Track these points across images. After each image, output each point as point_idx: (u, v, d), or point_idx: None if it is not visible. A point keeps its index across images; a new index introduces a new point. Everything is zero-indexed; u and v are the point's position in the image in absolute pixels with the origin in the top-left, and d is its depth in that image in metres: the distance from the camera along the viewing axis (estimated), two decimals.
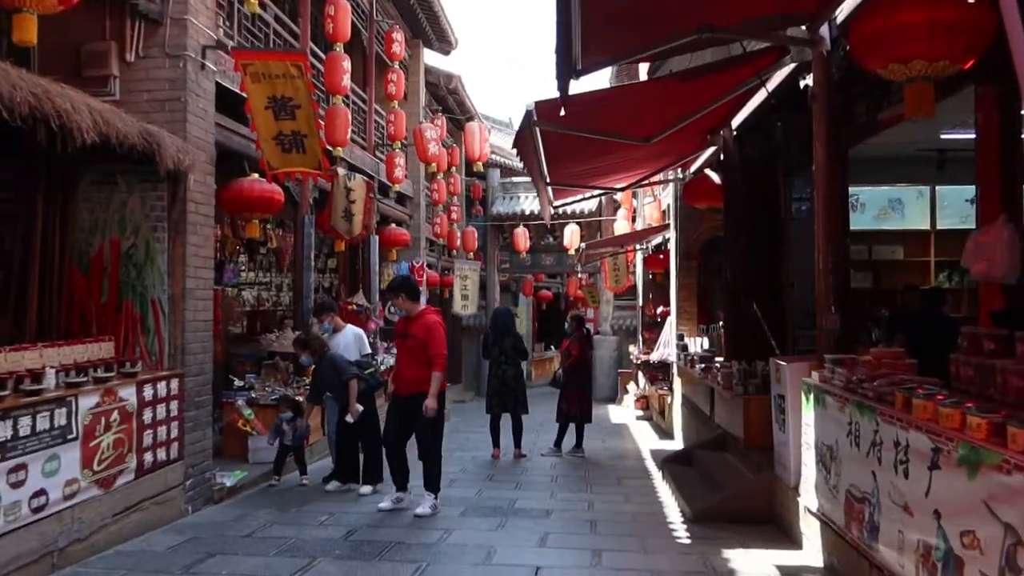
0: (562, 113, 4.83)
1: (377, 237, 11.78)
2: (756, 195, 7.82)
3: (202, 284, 5.80)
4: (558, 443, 9.23)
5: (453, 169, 16.20)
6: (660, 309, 14.47)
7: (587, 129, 5.76)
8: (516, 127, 5.97)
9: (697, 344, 9.58)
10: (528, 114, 5.20)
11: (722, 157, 8.06)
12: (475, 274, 16.89)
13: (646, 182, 9.83)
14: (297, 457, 6.90)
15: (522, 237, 17.66)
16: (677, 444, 9.95)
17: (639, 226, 14.43)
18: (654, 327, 14.96)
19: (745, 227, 7.74)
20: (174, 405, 5.38)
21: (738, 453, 6.49)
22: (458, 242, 16.60)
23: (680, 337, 9.87)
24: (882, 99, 5.24)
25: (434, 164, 13.61)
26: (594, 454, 9.33)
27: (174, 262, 5.51)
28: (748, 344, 7.25)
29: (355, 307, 10.71)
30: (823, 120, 4.81)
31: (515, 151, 6.00)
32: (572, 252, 16.83)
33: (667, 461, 7.36)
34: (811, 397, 4.54)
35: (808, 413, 4.60)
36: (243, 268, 10.61)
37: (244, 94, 6.10)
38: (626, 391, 16.01)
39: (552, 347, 24.32)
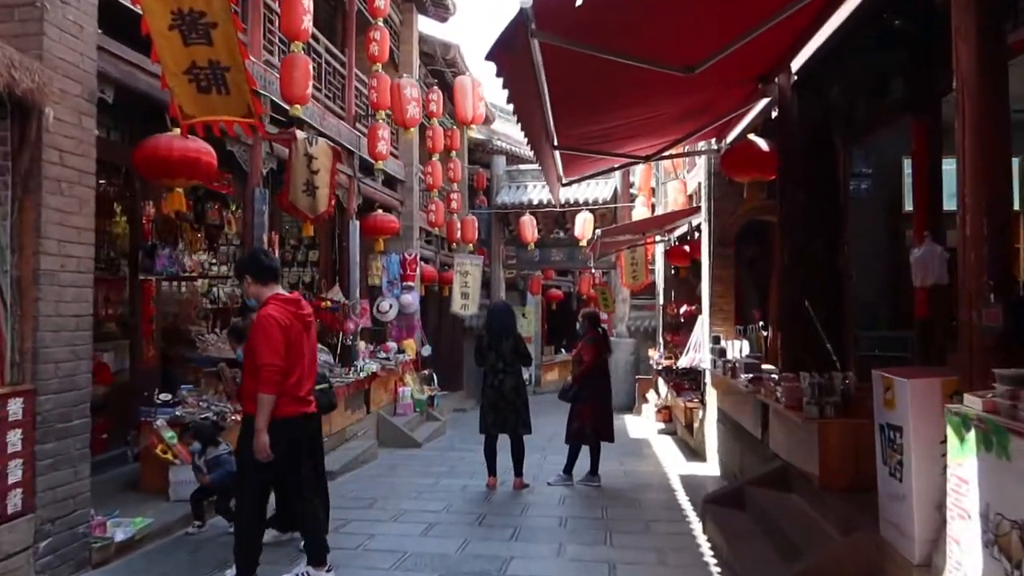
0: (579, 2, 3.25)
1: (358, 223, 10.15)
2: (811, 165, 6.17)
3: (71, 265, 4.18)
4: (568, 469, 7.57)
5: (453, 154, 14.59)
6: (684, 308, 12.82)
7: (608, 49, 4.08)
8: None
9: (736, 348, 7.88)
10: (521, 16, 3.44)
11: (775, 113, 6.39)
12: (477, 269, 15.23)
13: (675, 150, 8.13)
14: (219, 502, 5.25)
15: (529, 226, 15.97)
16: (711, 468, 8.25)
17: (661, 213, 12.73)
18: (677, 329, 13.29)
19: (802, 203, 6.08)
20: (15, 435, 3.75)
21: (811, 497, 4.80)
22: (458, 233, 14.96)
23: (715, 340, 8.19)
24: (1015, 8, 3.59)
25: (427, 141, 11.99)
26: (612, 481, 7.66)
27: (22, 231, 3.90)
28: (808, 350, 5.60)
29: (329, 304, 9.09)
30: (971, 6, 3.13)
31: (501, 84, 3.89)
32: (584, 243, 15.13)
33: (710, 502, 5.67)
34: (971, 436, 2.85)
35: (964, 460, 2.91)
36: (199, 254, 9.05)
37: (138, 8, 4.48)
38: (645, 400, 14.31)
39: (563, 350, 22.66)
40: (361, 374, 9.52)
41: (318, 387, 5.21)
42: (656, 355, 13.67)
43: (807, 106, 6.16)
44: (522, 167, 17.52)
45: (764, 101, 6.35)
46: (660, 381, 13.49)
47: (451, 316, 15.90)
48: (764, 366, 6.71)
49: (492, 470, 7.29)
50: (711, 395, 8.49)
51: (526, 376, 19.51)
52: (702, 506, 5.76)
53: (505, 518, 6.05)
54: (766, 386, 5.84)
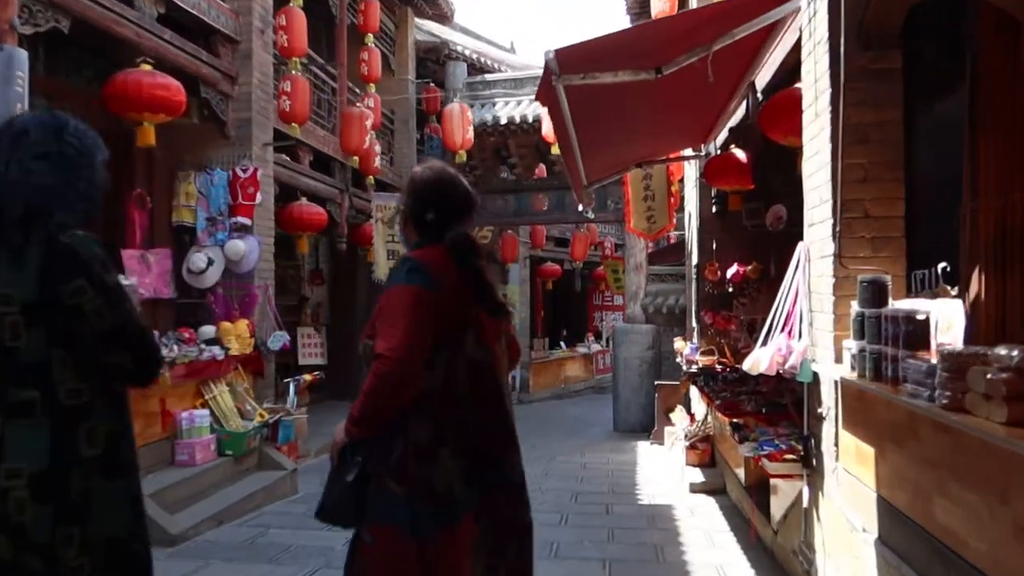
0: None
1: None
2: None
3: None
4: None
5: (370, 39, 9.37)
6: (734, 269, 7.52)
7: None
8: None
9: (937, 319, 2.44)
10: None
11: None
12: None
13: None
14: None
15: (458, 120, 10.15)
16: None
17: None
18: (721, 303, 7.94)
19: None
20: None
21: None
22: (377, 162, 9.62)
23: (873, 292, 2.75)
24: None
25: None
26: None
27: None
28: None
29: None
30: None
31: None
32: (554, 148, 9.42)
33: None
34: None
35: None
36: None
37: None
38: (668, 420, 8.88)
39: (561, 344, 17.24)
40: None
41: None
42: (687, 349, 8.23)
43: None
44: (490, 77, 12.13)
45: None
46: (694, 392, 8.07)
47: (367, 293, 10.63)
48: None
49: None
50: (845, 451, 3.08)
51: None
52: None
53: None
54: None
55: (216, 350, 6.10)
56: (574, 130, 5.16)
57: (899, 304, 2.57)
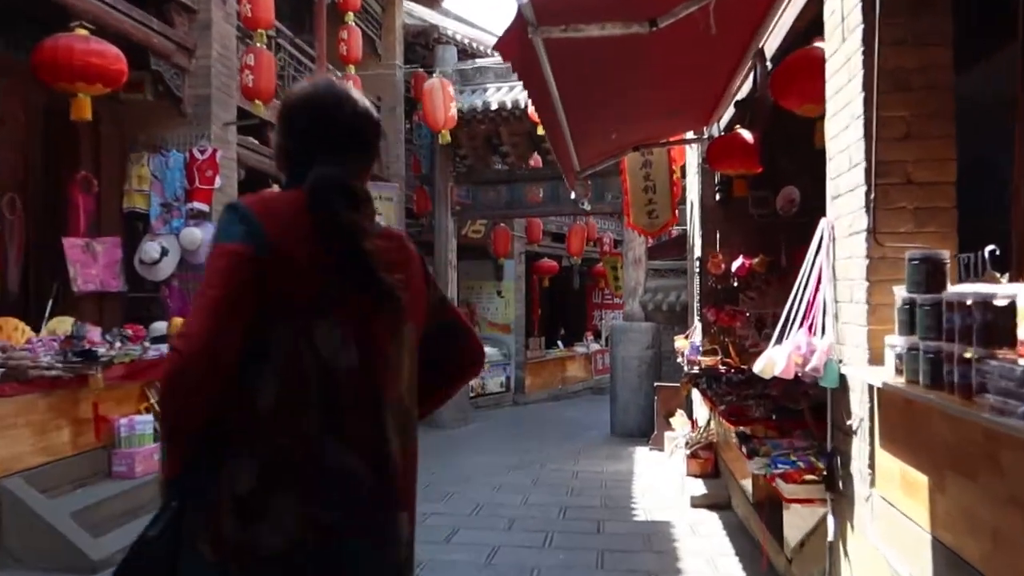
0: None
1: None
2: None
3: None
4: None
5: (351, 17, 8.77)
6: (739, 262, 6.98)
7: None
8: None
9: None
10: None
11: None
12: (390, 206, 9.32)
13: None
14: None
15: (438, 96, 9.26)
16: None
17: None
18: (725, 299, 7.34)
19: None
20: None
21: None
22: None
23: (928, 273, 2.14)
24: None
25: None
26: None
27: None
28: None
29: None
30: None
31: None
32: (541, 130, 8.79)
33: None
34: None
35: None
36: None
37: None
38: (668, 424, 8.26)
39: (558, 343, 16.62)
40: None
41: None
42: (687, 348, 7.60)
43: None
44: (480, 63, 11.49)
45: None
46: (696, 395, 7.46)
47: None
48: None
49: None
50: (885, 475, 2.45)
51: (501, 379, 13.17)
52: None
53: None
54: None
55: (165, 349, 5.48)
56: (560, 103, 4.56)
57: (964, 287, 1.95)
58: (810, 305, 2.99)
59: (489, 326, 14.79)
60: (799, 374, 2.90)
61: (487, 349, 15.51)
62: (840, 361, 2.81)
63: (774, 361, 2.91)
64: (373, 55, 11.39)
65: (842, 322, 2.83)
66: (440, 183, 11.20)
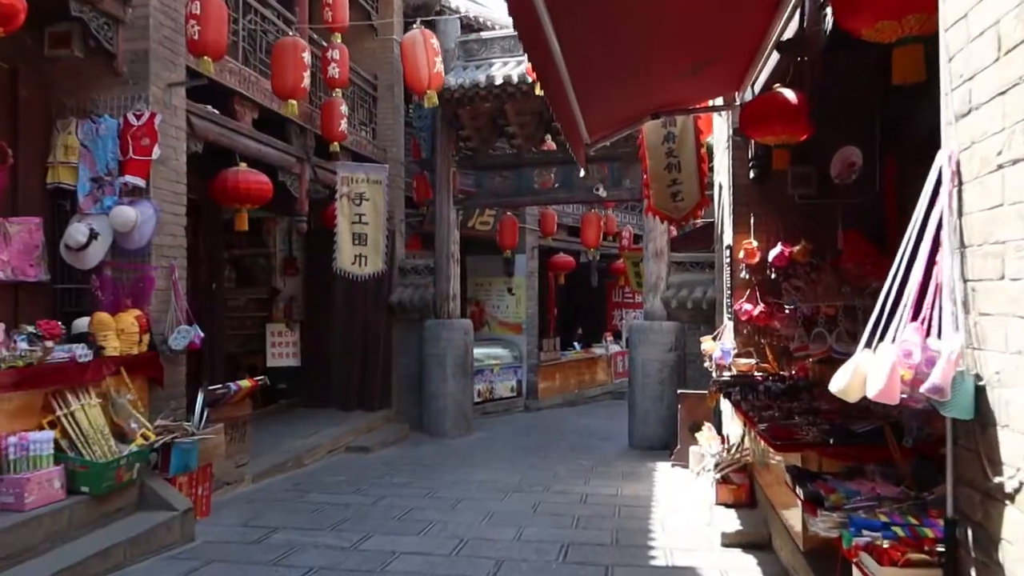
0: None
1: None
2: None
3: None
4: None
5: None
6: (777, 250, 6.00)
7: None
8: None
9: None
10: None
11: None
12: (379, 190, 8.30)
13: None
14: None
15: (423, 54, 8.00)
16: None
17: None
18: (762, 292, 6.29)
19: None
20: None
21: None
22: (342, 126, 7.98)
23: None
24: None
25: None
26: None
27: None
28: None
29: None
30: None
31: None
32: (537, 89, 7.68)
33: None
34: None
35: None
36: None
37: None
38: (693, 437, 7.14)
39: (575, 345, 15.51)
40: None
41: None
42: (717, 351, 6.51)
43: None
44: (485, 35, 10.44)
45: None
46: (726, 406, 6.36)
47: (346, 285, 9.02)
48: None
49: None
50: None
51: (511, 383, 12.37)
52: None
53: None
54: None
55: (79, 350, 4.52)
56: (560, 52, 3.52)
57: None
58: (921, 291, 1.90)
59: (499, 326, 13.77)
60: (905, 396, 1.82)
61: (495, 350, 14.34)
62: (978, 377, 1.73)
63: (866, 375, 1.83)
64: (369, 31, 10.44)
65: (980, 313, 1.75)
66: (441, 168, 10.17)
